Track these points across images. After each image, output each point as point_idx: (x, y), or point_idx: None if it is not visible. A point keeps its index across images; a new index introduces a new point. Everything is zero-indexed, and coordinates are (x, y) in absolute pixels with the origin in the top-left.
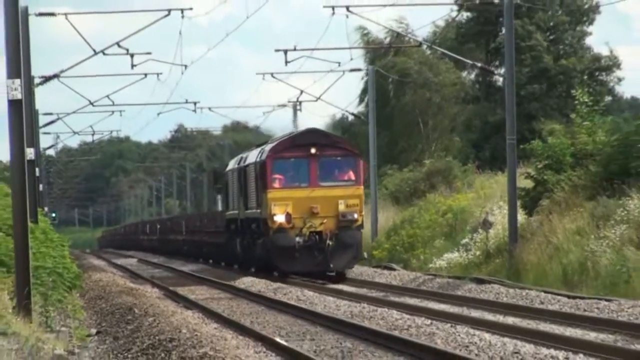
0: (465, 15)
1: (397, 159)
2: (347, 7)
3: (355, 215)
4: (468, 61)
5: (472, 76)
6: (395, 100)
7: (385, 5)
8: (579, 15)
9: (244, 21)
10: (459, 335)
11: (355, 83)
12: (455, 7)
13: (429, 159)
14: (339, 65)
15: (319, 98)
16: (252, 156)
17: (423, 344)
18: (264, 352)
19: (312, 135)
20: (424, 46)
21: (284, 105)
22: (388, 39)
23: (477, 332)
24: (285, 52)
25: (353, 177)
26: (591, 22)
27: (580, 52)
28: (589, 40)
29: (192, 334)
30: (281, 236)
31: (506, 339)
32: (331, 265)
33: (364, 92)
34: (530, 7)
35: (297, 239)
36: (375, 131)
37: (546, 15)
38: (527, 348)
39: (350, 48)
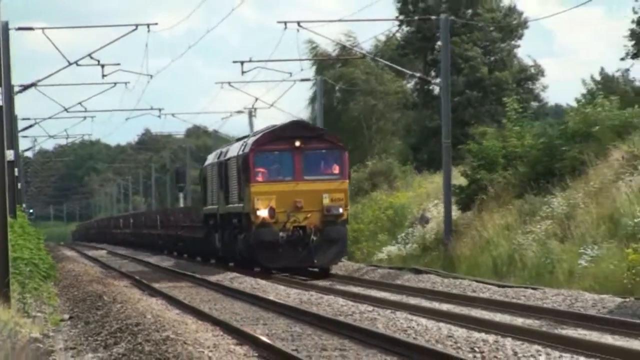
0: (406, 29)
1: None
2: (298, 23)
3: (341, 210)
4: (408, 72)
5: (412, 85)
6: (341, 106)
7: (332, 21)
8: (509, 31)
9: (204, 35)
10: (399, 320)
11: (305, 91)
12: (397, 23)
13: (372, 161)
14: (291, 75)
15: (272, 105)
16: (234, 150)
17: (366, 328)
18: (221, 336)
19: (296, 128)
20: (368, 58)
21: (240, 112)
22: (336, 52)
23: (415, 318)
24: (242, 63)
25: (338, 171)
26: (519, 37)
27: (510, 64)
28: (518, 52)
29: (156, 319)
30: (264, 231)
31: (441, 324)
32: (315, 261)
33: (313, 99)
34: (466, 23)
35: (281, 233)
36: None
37: (480, 32)
38: (460, 332)
39: (300, 60)
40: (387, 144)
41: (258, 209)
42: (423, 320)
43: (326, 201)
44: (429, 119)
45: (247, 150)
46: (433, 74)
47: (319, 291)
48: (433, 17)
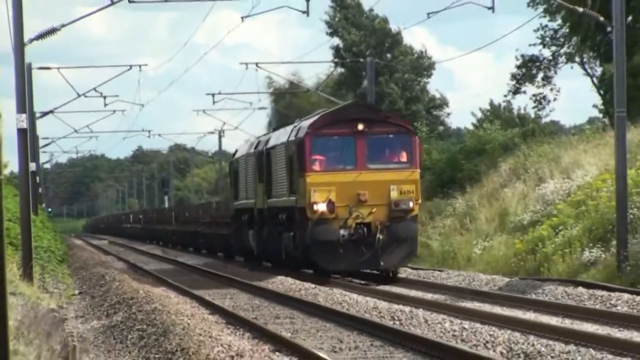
0: (340, 70)
1: None
2: (257, 64)
3: (411, 204)
4: (342, 102)
5: None
6: None
7: (283, 62)
8: (422, 70)
9: (183, 74)
10: (336, 295)
11: (263, 117)
12: (332, 65)
13: None
14: (251, 105)
15: (236, 127)
16: (279, 136)
17: (309, 301)
18: (197, 307)
19: (359, 109)
20: (312, 91)
21: (212, 132)
22: (287, 86)
23: (348, 293)
24: (213, 95)
25: (407, 159)
26: (429, 76)
27: (423, 98)
28: (428, 87)
29: (147, 294)
30: (322, 228)
31: (368, 298)
32: (381, 263)
33: (269, 124)
34: (386, 64)
35: (342, 231)
36: None
37: (400, 73)
38: (383, 304)
39: (258, 92)
40: None
41: (315, 203)
42: (354, 295)
43: (394, 194)
44: None
45: (301, 134)
46: None
47: (270, 271)
48: (361, 60)
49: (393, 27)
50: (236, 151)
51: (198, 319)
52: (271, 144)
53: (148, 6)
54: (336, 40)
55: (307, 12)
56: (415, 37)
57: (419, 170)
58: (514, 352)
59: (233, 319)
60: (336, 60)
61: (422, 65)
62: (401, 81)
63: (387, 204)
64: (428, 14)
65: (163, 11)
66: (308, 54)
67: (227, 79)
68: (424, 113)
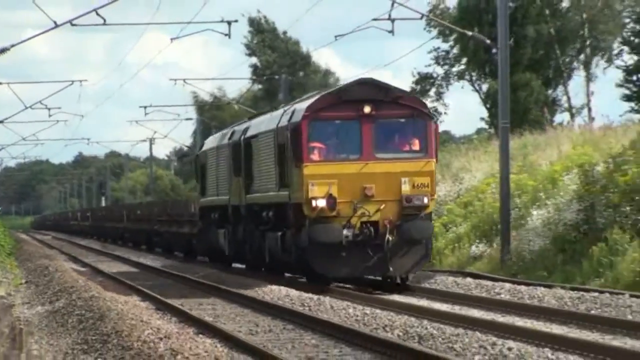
0: (258, 86)
1: None
2: (184, 80)
3: (425, 200)
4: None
5: None
6: None
7: (207, 79)
8: (329, 86)
9: (118, 88)
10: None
11: (190, 126)
12: (251, 81)
13: None
14: (179, 116)
15: (166, 136)
16: (265, 123)
17: (248, 296)
18: (130, 295)
19: (365, 89)
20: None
21: (143, 140)
22: (211, 99)
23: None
24: (145, 107)
25: (422, 147)
26: None
27: None
28: None
29: (85, 283)
30: (322, 228)
31: (281, 287)
32: (391, 269)
33: (195, 133)
34: (298, 82)
35: (345, 232)
36: None
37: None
38: (294, 293)
39: (185, 105)
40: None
41: (313, 198)
42: (274, 287)
43: (406, 188)
44: None
45: (297, 118)
46: None
47: (221, 269)
48: (276, 77)
49: (304, 48)
50: (203, 144)
51: (131, 305)
52: (251, 132)
53: (87, 28)
54: (254, 60)
55: (229, 35)
56: (322, 57)
57: (435, 161)
58: (410, 335)
59: (164, 306)
60: (254, 77)
61: (330, 82)
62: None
63: (397, 199)
64: (336, 36)
65: (101, 33)
66: (230, 71)
67: (158, 94)
68: None
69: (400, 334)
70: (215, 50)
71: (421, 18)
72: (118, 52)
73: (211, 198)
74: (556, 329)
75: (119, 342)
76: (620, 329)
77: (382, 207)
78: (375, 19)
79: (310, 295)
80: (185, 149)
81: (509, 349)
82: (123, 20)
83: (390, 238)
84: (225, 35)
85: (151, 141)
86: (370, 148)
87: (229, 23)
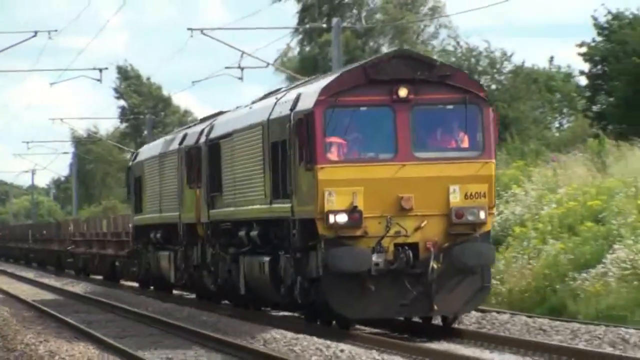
0: (125, 124)
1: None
2: (62, 119)
3: (482, 214)
4: (128, 149)
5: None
6: (94, 166)
7: (82, 118)
8: (188, 124)
9: (2, 127)
10: None
11: (67, 159)
12: (119, 121)
13: None
14: (57, 150)
15: (45, 167)
16: (246, 117)
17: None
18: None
19: (401, 64)
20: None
21: (26, 171)
22: (86, 135)
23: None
24: (27, 142)
25: (477, 143)
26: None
27: None
28: None
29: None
30: (344, 253)
31: None
32: (435, 308)
33: (71, 164)
34: (160, 120)
35: (374, 257)
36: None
37: (170, 127)
38: None
39: (63, 141)
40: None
41: (331, 212)
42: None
43: (456, 198)
44: None
45: (307, 104)
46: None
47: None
48: (141, 117)
49: (165, 92)
50: (137, 154)
51: None
52: (220, 132)
53: None
54: (122, 102)
55: (100, 80)
56: (182, 99)
57: (494, 162)
58: None
59: None
60: (122, 117)
61: (188, 120)
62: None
63: (444, 214)
64: (193, 82)
65: None
66: (101, 112)
67: (39, 130)
68: None
69: None
70: (89, 93)
71: (267, 67)
72: (2, 95)
73: (151, 215)
74: None
75: None
76: None
77: (423, 223)
78: (227, 67)
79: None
80: (63, 178)
81: None
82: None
83: (435, 266)
84: (97, 80)
85: (33, 172)
86: (408, 145)
87: (100, 70)
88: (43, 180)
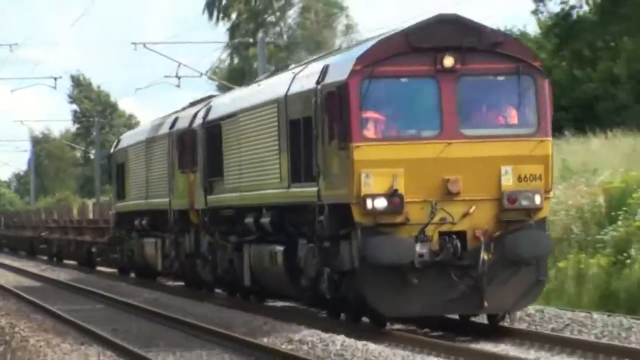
0: (77, 126)
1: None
2: (22, 121)
3: (537, 199)
4: (79, 147)
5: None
6: (47, 162)
7: (39, 121)
8: (133, 125)
9: None
10: None
11: (26, 155)
12: (72, 122)
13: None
14: (18, 148)
15: (7, 163)
16: (255, 95)
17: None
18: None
19: (446, 30)
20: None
21: None
22: (42, 136)
23: None
24: None
25: (531, 118)
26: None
27: None
28: None
29: None
30: (384, 242)
31: None
32: (485, 304)
33: (29, 160)
34: (108, 123)
35: (418, 247)
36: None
37: (116, 127)
38: None
39: (22, 140)
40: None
41: (369, 196)
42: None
43: (508, 180)
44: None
45: (339, 76)
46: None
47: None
48: (91, 119)
49: (112, 98)
50: (119, 141)
51: None
52: (220, 112)
53: None
54: (75, 107)
55: (55, 87)
56: (127, 104)
57: (550, 140)
58: None
59: None
60: (74, 119)
61: (132, 123)
62: (116, 134)
63: (495, 198)
64: (136, 89)
65: None
66: (56, 115)
67: (2, 131)
68: None
69: None
70: (46, 98)
71: (200, 76)
72: None
73: (136, 202)
74: None
75: None
76: None
77: (471, 209)
78: (166, 76)
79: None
80: (22, 173)
81: None
82: None
83: (486, 257)
84: (53, 87)
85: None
86: (454, 120)
87: (55, 79)
88: (5, 174)
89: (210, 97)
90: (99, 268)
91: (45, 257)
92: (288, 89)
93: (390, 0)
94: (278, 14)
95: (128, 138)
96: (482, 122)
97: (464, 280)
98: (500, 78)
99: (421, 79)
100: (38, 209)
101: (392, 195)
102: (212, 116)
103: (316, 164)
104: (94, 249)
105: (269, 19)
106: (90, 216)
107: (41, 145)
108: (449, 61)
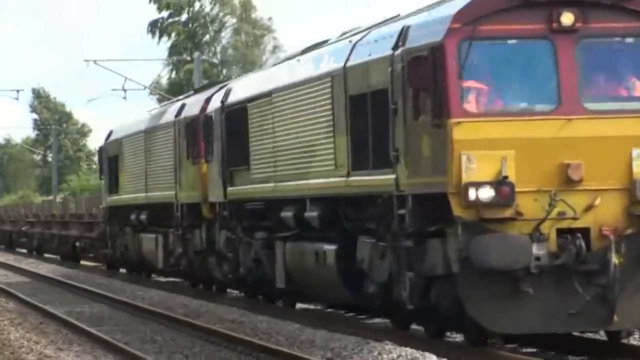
0: (36, 132)
1: None
2: None
3: None
4: (38, 151)
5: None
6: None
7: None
8: (86, 132)
9: None
10: None
11: None
12: (32, 130)
13: None
14: None
15: None
16: (291, 70)
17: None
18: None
19: None
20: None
21: None
22: (4, 142)
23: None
24: None
25: None
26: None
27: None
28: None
29: None
30: (494, 242)
31: None
32: (615, 319)
33: None
34: (64, 130)
35: (535, 248)
36: None
37: (71, 134)
38: None
39: None
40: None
41: (471, 185)
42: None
43: None
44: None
45: (432, 37)
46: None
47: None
48: (48, 127)
49: (68, 108)
50: (111, 132)
51: None
52: (244, 94)
53: None
54: (35, 115)
55: (17, 98)
56: (81, 114)
57: None
58: None
59: None
60: (34, 127)
61: (85, 131)
62: (70, 140)
63: (625, 188)
64: (88, 100)
65: None
66: (18, 122)
67: None
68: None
69: None
70: (8, 108)
71: (144, 89)
72: None
73: (132, 195)
74: None
75: None
76: None
77: (597, 201)
78: (113, 89)
79: None
80: None
81: None
82: None
83: (617, 261)
84: (15, 99)
85: None
86: (575, 91)
87: (18, 91)
88: None
89: (226, 80)
90: (83, 262)
91: (24, 250)
92: (347, 59)
93: (316, 16)
94: (213, 34)
95: (122, 129)
96: (609, 94)
97: (588, 289)
98: (629, 40)
99: (534, 40)
100: (17, 205)
101: (500, 183)
102: (233, 98)
103: (394, 147)
104: (78, 244)
105: (204, 39)
106: (74, 211)
107: (4, 150)
108: (567, 18)
